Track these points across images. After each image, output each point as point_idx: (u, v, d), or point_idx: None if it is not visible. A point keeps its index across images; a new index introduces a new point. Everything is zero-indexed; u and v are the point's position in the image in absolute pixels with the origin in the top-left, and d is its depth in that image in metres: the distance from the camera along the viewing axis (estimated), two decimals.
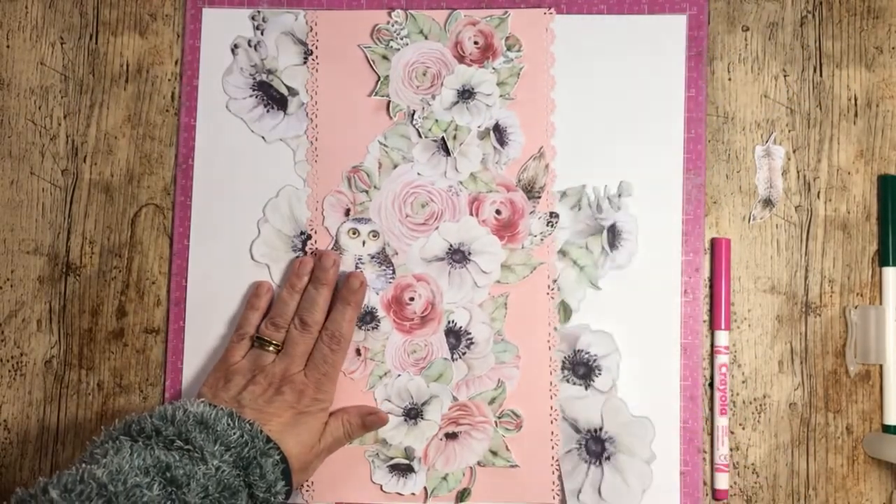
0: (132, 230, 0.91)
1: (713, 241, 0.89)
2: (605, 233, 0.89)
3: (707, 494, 0.87)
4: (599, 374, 0.88)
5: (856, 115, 0.90)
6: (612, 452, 0.88)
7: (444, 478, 0.88)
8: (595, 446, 0.88)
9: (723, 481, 0.87)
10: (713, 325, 0.88)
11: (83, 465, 0.71)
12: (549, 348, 0.88)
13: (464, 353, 0.88)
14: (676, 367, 0.88)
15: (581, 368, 0.88)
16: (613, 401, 0.88)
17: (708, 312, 0.89)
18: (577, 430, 0.88)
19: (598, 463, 0.88)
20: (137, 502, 0.69)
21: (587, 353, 0.89)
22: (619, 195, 0.89)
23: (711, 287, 0.89)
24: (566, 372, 0.88)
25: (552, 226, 0.89)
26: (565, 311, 0.89)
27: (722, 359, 0.87)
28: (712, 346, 0.88)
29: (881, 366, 0.88)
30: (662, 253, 0.89)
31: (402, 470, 0.88)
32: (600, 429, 0.88)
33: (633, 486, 0.87)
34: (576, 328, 0.89)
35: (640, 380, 0.88)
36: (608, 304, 0.89)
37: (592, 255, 0.89)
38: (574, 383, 0.88)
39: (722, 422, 0.87)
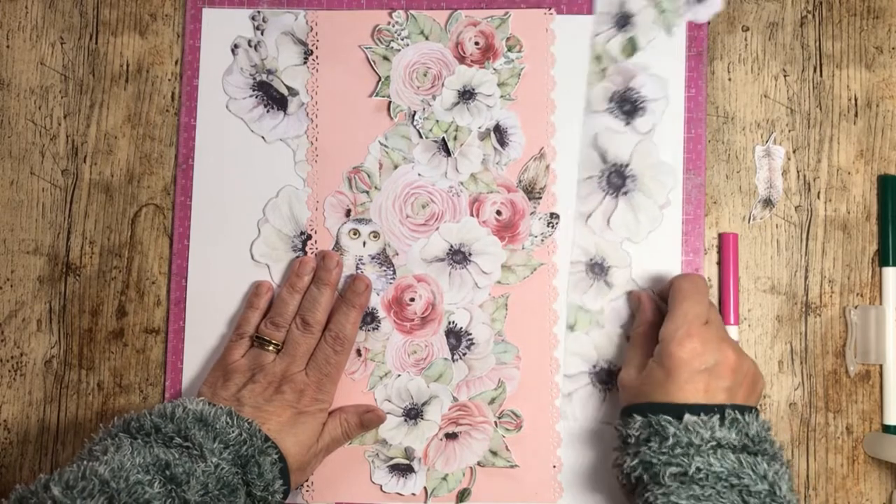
0: (132, 230, 0.91)
1: (721, 236, 0.89)
2: None
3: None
4: (643, 115, 0.89)
5: (856, 115, 0.90)
6: (631, 189, 0.89)
7: (444, 478, 0.88)
8: (617, 179, 0.89)
9: None
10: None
11: (84, 462, 0.71)
12: (550, 348, 0.88)
13: (464, 354, 0.88)
14: None
15: (627, 105, 0.89)
16: (647, 143, 0.89)
17: None
18: (604, 161, 0.89)
19: (615, 195, 0.89)
20: (139, 499, 0.69)
21: (638, 92, 0.89)
22: None
23: (720, 284, 0.89)
24: (612, 104, 0.89)
25: (553, 226, 0.89)
26: (632, 46, 0.90)
27: None
28: None
29: (881, 366, 0.88)
30: (662, 253, 0.89)
31: (402, 470, 0.88)
32: (626, 165, 0.89)
33: (642, 224, 0.89)
34: (636, 66, 0.89)
35: None
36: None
37: (677, 1, 0.90)
38: (616, 117, 0.89)
39: None
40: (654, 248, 0.89)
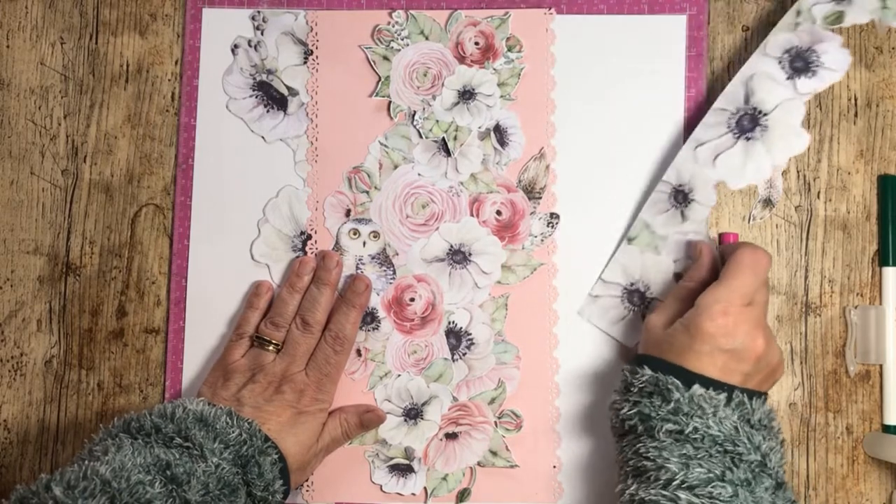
0: (132, 230, 0.91)
1: (721, 236, 0.89)
2: None
3: None
4: (810, 77, 0.86)
5: (856, 115, 0.90)
6: (756, 138, 0.86)
7: (444, 478, 0.88)
8: (748, 123, 0.86)
9: None
10: None
11: (85, 462, 0.71)
12: (550, 349, 0.88)
13: (464, 354, 0.88)
14: None
15: (799, 62, 0.86)
16: (797, 103, 0.87)
17: None
18: (746, 101, 0.87)
19: (737, 136, 0.87)
20: (140, 499, 0.69)
21: (818, 56, 0.86)
22: None
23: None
24: (786, 55, 0.86)
25: (552, 226, 0.89)
26: (837, 19, 0.86)
27: None
28: None
29: (881, 366, 0.88)
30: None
31: (402, 470, 0.88)
32: (765, 114, 0.86)
33: (747, 175, 0.87)
34: (831, 34, 0.86)
35: None
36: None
37: None
38: (783, 68, 0.86)
39: None
40: (742, 200, 0.89)
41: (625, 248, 0.89)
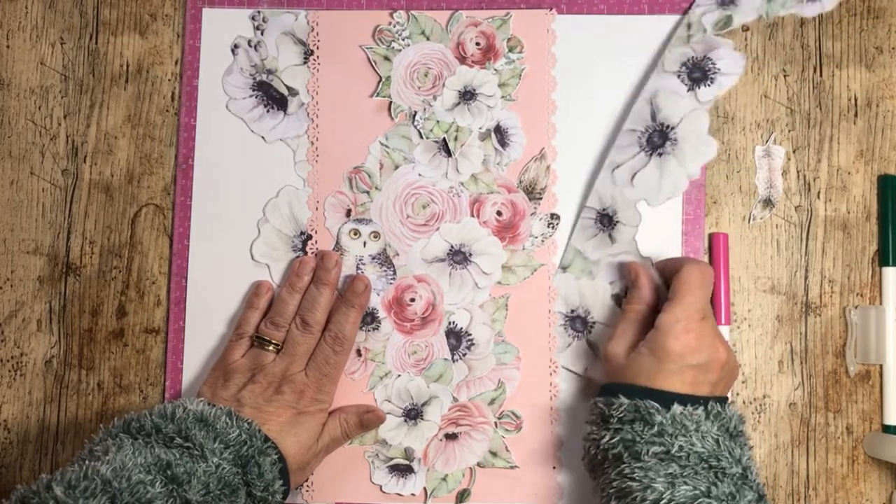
0: (132, 230, 0.91)
1: (711, 237, 0.89)
2: None
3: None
4: (709, 85, 0.88)
5: (856, 115, 0.90)
6: (668, 152, 0.88)
7: (444, 478, 0.88)
8: (658, 139, 0.88)
9: None
10: None
11: (86, 462, 0.71)
12: (550, 349, 0.88)
13: (464, 354, 0.88)
14: None
15: (697, 73, 0.88)
16: (701, 112, 0.88)
17: None
18: (654, 119, 0.88)
19: (650, 153, 0.88)
20: (141, 499, 0.69)
21: (713, 63, 0.88)
22: None
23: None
24: (683, 68, 0.88)
25: (553, 227, 0.89)
26: (726, 23, 0.89)
27: None
28: None
29: (881, 366, 0.88)
30: (662, 253, 0.89)
31: (402, 470, 0.88)
32: (672, 128, 0.88)
33: (664, 190, 0.88)
34: (723, 39, 0.89)
35: None
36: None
37: None
38: (683, 81, 0.88)
39: None
40: (667, 215, 0.89)
41: (560, 277, 0.89)
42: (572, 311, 0.89)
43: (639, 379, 0.77)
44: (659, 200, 0.88)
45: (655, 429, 0.74)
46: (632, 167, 0.88)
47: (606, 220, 0.89)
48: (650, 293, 0.84)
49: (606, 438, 0.76)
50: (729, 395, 0.80)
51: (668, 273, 0.84)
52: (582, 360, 0.88)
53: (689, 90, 0.88)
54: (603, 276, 0.89)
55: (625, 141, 0.89)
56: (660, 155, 0.88)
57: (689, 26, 0.89)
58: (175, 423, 0.76)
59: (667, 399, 0.75)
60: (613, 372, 0.81)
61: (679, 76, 0.88)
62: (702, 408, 0.75)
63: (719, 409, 0.75)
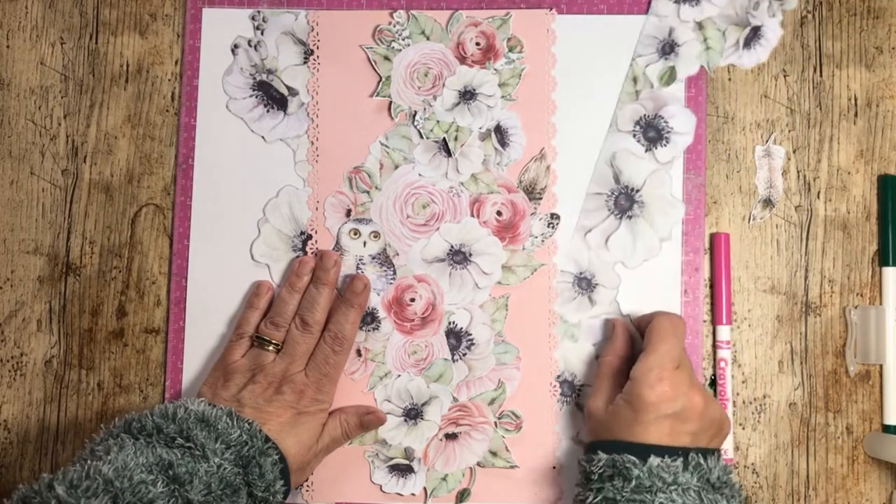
0: (132, 230, 0.91)
1: (712, 237, 0.89)
2: (746, 30, 0.90)
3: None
4: (665, 145, 0.89)
5: (856, 115, 0.90)
6: (637, 215, 0.89)
7: (444, 478, 0.88)
8: (625, 202, 0.89)
9: None
10: (714, 321, 0.88)
11: (88, 462, 0.71)
12: (550, 349, 0.88)
13: (464, 354, 0.88)
14: None
15: (652, 132, 0.89)
16: (663, 174, 0.89)
17: (708, 312, 0.89)
18: (617, 181, 0.89)
19: (619, 216, 0.89)
20: (143, 499, 0.70)
21: (666, 122, 0.89)
22: (782, 5, 0.90)
23: (712, 283, 0.89)
24: (637, 128, 0.89)
25: (553, 227, 0.89)
26: (670, 76, 0.90)
27: (723, 353, 0.87)
28: (714, 342, 0.88)
29: (881, 366, 0.88)
30: (662, 252, 0.89)
31: (402, 470, 0.88)
32: (637, 190, 0.89)
33: (639, 252, 0.89)
34: (670, 95, 0.90)
35: None
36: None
37: (724, 42, 0.90)
38: (639, 141, 0.89)
39: None
40: (646, 277, 0.89)
41: None
42: (558, 377, 0.89)
43: (618, 433, 0.77)
44: (636, 262, 0.89)
45: (633, 483, 0.73)
46: (604, 230, 0.89)
47: (585, 283, 0.89)
48: (623, 344, 0.85)
49: (590, 499, 0.76)
50: (720, 449, 0.80)
51: (643, 326, 0.84)
52: (574, 425, 0.88)
53: (646, 150, 0.89)
54: (586, 337, 0.89)
55: (592, 205, 0.90)
56: (629, 218, 0.89)
57: (634, 80, 0.89)
58: (176, 424, 0.76)
59: (645, 452, 0.75)
60: (596, 428, 0.81)
61: (634, 136, 0.90)
62: (680, 459, 0.74)
63: (700, 460, 0.74)
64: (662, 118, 0.89)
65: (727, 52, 0.90)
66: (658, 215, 0.89)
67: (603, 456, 0.76)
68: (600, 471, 0.76)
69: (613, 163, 0.89)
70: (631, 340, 0.86)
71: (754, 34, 0.90)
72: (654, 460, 0.74)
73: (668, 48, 0.90)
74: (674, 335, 0.80)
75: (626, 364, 0.84)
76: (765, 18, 0.90)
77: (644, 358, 0.79)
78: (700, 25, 0.90)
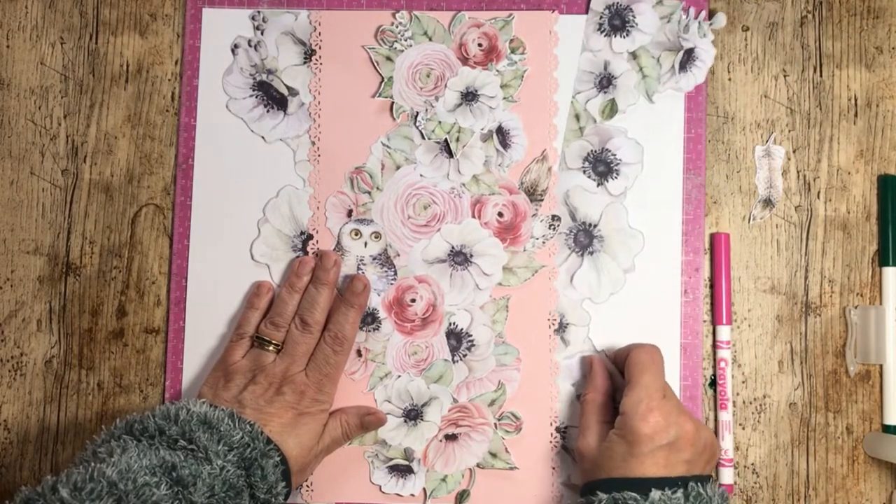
0: (132, 230, 0.91)
1: (712, 237, 0.89)
2: (680, 54, 0.90)
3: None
4: (616, 178, 0.89)
5: (856, 115, 0.90)
6: (598, 250, 0.89)
7: (444, 479, 0.88)
8: (584, 238, 0.89)
9: (728, 476, 0.87)
10: (714, 321, 0.88)
11: (91, 464, 0.71)
12: (550, 351, 0.88)
13: (464, 355, 0.88)
14: (677, 368, 0.88)
15: (601, 166, 0.89)
16: (618, 206, 0.89)
17: (708, 312, 0.89)
18: (574, 219, 0.90)
19: (581, 253, 0.89)
20: (147, 501, 0.70)
21: (613, 155, 0.90)
22: (711, 24, 0.90)
23: (712, 283, 0.89)
24: (586, 164, 0.90)
25: (554, 228, 0.89)
26: (612, 109, 0.90)
27: (723, 353, 0.87)
28: (714, 342, 0.88)
29: (881, 366, 0.88)
30: (662, 253, 0.89)
31: (402, 471, 0.88)
32: (595, 225, 0.89)
33: (604, 286, 0.89)
34: (614, 128, 0.90)
35: None
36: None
37: (660, 69, 0.90)
38: (589, 177, 0.90)
39: (724, 416, 0.87)
40: (615, 310, 0.89)
41: None
42: None
43: (614, 469, 0.77)
44: (602, 297, 0.89)
45: None
46: (568, 269, 0.89)
47: (557, 324, 0.89)
48: (603, 381, 0.85)
49: None
50: (712, 474, 0.80)
51: (620, 362, 0.85)
52: (562, 469, 0.88)
53: (598, 185, 0.90)
54: (564, 378, 0.89)
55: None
56: (591, 254, 0.89)
57: (577, 117, 0.90)
58: (179, 426, 0.76)
59: (643, 486, 0.74)
60: (589, 468, 0.81)
61: (584, 172, 0.90)
62: (681, 490, 0.74)
63: (700, 489, 0.74)
64: (610, 151, 0.90)
65: (664, 77, 0.90)
66: (619, 248, 0.89)
67: (603, 496, 0.75)
68: None
69: (568, 201, 0.89)
70: (610, 376, 0.86)
71: (688, 57, 0.90)
72: (655, 494, 0.73)
73: (606, 81, 0.90)
74: (653, 364, 0.81)
75: (610, 400, 0.84)
76: (696, 40, 0.90)
77: (630, 392, 0.79)
78: (634, 55, 0.90)
